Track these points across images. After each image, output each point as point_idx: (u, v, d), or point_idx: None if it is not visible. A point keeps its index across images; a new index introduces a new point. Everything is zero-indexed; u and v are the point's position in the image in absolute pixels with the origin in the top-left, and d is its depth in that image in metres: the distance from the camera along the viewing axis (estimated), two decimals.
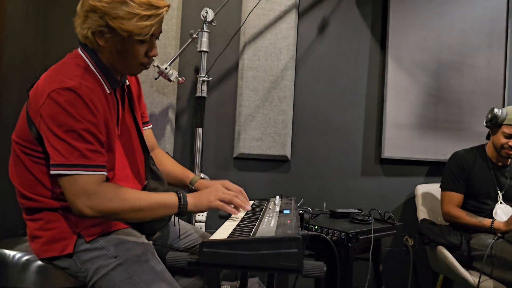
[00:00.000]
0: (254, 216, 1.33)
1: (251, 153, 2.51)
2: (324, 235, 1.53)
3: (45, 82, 1.21)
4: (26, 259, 1.28)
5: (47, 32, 2.31)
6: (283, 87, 2.52)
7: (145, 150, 1.45)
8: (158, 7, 1.23)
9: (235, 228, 1.15)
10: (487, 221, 2.25)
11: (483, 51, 2.80)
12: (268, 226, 1.12)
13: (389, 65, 2.67)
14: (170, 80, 2.21)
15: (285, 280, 1.13)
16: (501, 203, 2.34)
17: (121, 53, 1.26)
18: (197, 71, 2.43)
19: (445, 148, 2.67)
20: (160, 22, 1.27)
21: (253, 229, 1.10)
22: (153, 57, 1.34)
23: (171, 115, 2.41)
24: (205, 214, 2.17)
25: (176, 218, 1.54)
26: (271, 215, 1.29)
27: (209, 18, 2.22)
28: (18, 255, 1.29)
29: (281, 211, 1.36)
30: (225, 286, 2.35)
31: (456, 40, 2.77)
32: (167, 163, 1.61)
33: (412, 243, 2.62)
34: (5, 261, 1.29)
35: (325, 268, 0.97)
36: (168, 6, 1.28)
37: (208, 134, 2.44)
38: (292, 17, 2.55)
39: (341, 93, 2.67)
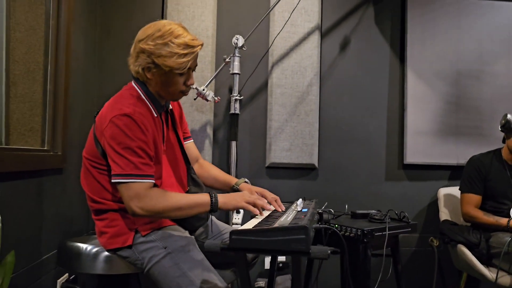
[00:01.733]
0: (276, 214, 1.59)
1: (281, 162, 2.76)
2: (336, 229, 1.75)
3: (107, 109, 1.54)
4: (96, 251, 1.60)
5: (102, 64, 2.69)
6: (309, 101, 2.77)
7: (187, 161, 1.76)
8: (193, 46, 1.54)
9: (259, 222, 1.41)
10: (504, 220, 2.39)
11: (502, 59, 2.93)
12: (285, 220, 1.38)
13: (408, 77, 2.86)
14: (207, 100, 2.52)
15: (300, 268, 1.37)
16: None
17: (165, 83, 1.58)
18: (230, 90, 2.73)
19: (467, 153, 2.80)
20: (195, 58, 1.58)
21: (273, 223, 1.36)
22: (191, 86, 1.65)
23: (209, 131, 2.72)
24: (241, 217, 2.45)
25: (212, 218, 1.84)
26: (291, 213, 1.55)
27: (240, 44, 2.51)
28: (89, 247, 1.62)
29: (300, 210, 1.61)
30: (260, 283, 2.61)
31: (474, 49, 2.92)
32: (213, 170, 1.94)
33: (437, 243, 2.77)
34: (80, 252, 1.62)
35: (329, 252, 1.21)
36: (202, 44, 1.59)
37: (242, 146, 2.72)
38: (315, 37, 2.80)
39: (364, 104, 2.89)
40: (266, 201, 1.67)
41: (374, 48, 2.90)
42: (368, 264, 1.94)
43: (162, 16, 2.71)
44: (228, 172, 2.49)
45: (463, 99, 2.90)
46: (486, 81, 2.91)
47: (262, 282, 2.59)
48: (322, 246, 1.22)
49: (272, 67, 2.78)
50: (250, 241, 1.20)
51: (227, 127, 2.77)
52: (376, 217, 2.08)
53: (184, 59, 1.52)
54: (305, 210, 1.59)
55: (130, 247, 1.54)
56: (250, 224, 1.37)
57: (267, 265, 2.71)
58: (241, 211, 2.46)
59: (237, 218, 2.46)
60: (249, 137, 2.79)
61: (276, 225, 1.30)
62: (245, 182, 1.91)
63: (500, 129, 2.53)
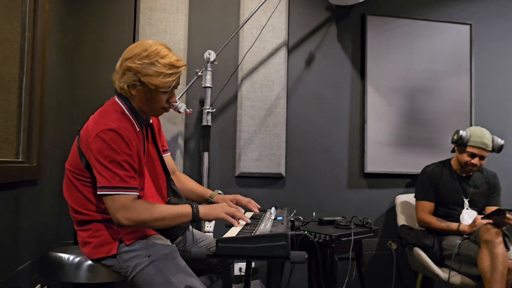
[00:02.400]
0: (254, 222, 1.70)
1: (250, 172, 2.89)
2: (308, 235, 1.89)
3: (93, 124, 1.60)
4: (79, 260, 1.65)
5: (73, 75, 2.71)
6: (276, 114, 2.92)
7: (166, 173, 1.84)
8: (178, 67, 1.64)
9: (240, 230, 1.52)
10: (454, 225, 2.62)
11: (450, 76, 3.21)
12: (265, 228, 1.50)
13: (368, 91, 3.08)
14: (179, 112, 2.60)
15: (279, 272, 1.49)
16: (467, 208, 2.71)
17: (149, 100, 1.66)
18: (201, 102, 2.83)
19: (420, 162, 3.04)
20: (179, 77, 1.68)
21: (254, 230, 1.48)
22: (173, 103, 1.74)
23: (180, 141, 2.79)
24: (212, 225, 2.54)
25: (191, 228, 1.93)
26: (267, 221, 1.67)
27: (212, 58, 2.62)
28: (71, 257, 1.66)
29: (275, 218, 1.74)
30: None
31: (426, 67, 3.18)
32: (189, 183, 2.04)
33: (395, 247, 2.99)
34: (62, 262, 1.66)
35: (306, 256, 1.34)
36: (185, 65, 1.69)
37: (213, 157, 2.82)
38: (283, 53, 2.96)
39: (327, 117, 3.07)
40: (244, 212, 1.77)
41: (337, 64, 3.10)
42: (336, 267, 2.09)
43: (134, 30, 2.77)
44: (200, 182, 2.59)
45: (416, 113, 3.15)
46: (436, 96, 3.17)
47: None
48: (299, 251, 1.35)
49: (242, 80, 2.90)
50: (235, 248, 1.31)
51: (198, 138, 2.86)
52: (342, 224, 2.24)
53: (169, 79, 1.62)
54: (280, 218, 1.71)
55: (114, 256, 1.60)
56: (232, 233, 1.48)
57: (236, 272, 2.81)
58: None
59: (209, 226, 2.56)
60: (220, 148, 2.89)
61: (257, 233, 1.41)
62: (219, 193, 2.02)
63: (451, 141, 2.77)
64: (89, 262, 1.64)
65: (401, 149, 3.10)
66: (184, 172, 2.82)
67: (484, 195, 2.77)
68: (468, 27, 3.23)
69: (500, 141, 2.65)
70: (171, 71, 1.61)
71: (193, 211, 1.60)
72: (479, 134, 2.63)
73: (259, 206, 1.95)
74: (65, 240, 2.59)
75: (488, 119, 3.21)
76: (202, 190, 2.05)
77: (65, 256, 1.67)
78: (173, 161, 2.08)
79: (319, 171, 3.03)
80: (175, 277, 1.56)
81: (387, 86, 3.11)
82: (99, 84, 2.72)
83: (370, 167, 3.06)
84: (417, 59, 3.16)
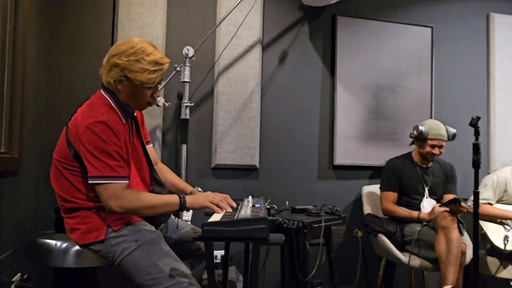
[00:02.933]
0: (234, 209, 1.83)
1: (226, 164, 3.01)
2: (284, 220, 2.04)
3: (82, 116, 1.68)
4: (66, 245, 1.73)
5: (51, 67, 2.74)
6: (251, 108, 3.05)
7: (150, 163, 1.94)
8: (162, 64, 1.74)
9: (222, 216, 1.65)
10: (415, 213, 2.85)
11: (414, 75, 3.43)
12: (245, 213, 1.63)
13: (338, 88, 3.25)
14: (158, 105, 2.68)
15: (258, 253, 1.62)
16: (427, 197, 2.94)
17: (134, 95, 1.75)
18: (179, 96, 2.92)
19: (385, 155, 3.25)
20: (163, 73, 1.77)
21: (235, 216, 1.61)
22: (157, 98, 1.84)
23: (158, 134, 2.88)
24: (190, 214, 2.65)
25: (174, 216, 2.03)
26: (246, 208, 1.80)
27: (190, 54, 2.71)
28: (59, 243, 1.74)
29: (253, 205, 1.87)
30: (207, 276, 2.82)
31: (391, 66, 3.38)
32: (171, 176, 2.13)
33: (361, 234, 3.20)
34: (50, 248, 1.73)
35: (283, 238, 1.48)
36: (169, 62, 1.78)
37: (190, 149, 2.91)
38: (257, 50, 3.08)
39: (299, 112, 3.22)
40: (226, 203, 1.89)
41: (309, 62, 3.25)
42: (307, 252, 2.25)
43: (113, 24, 2.82)
44: (178, 173, 2.68)
45: (382, 109, 3.35)
46: (401, 93, 3.39)
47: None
48: (277, 234, 1.49)
49: (218, 76, 3.01)
50: (219, 231, 1.44)
51: (176, 130, 2.95)
52: (313, 212, 2.40)
53: (154, 75, 1.72)
54: (258, 205, 1.85)
55: (102, 241, 1.69)
56: (215, 218, 1.60)
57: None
58: (190, 210, 2.67)
59: (187, 215, 2.67)
60: (196, 140, 3.00)
61: (239, 218, 1.54)
62: (199, 190, 2.12)
63: (410, 136, 3.00)
64: (77, 247, 1.72)
65: (367, 142, 3.30)
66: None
67: (442, 184, 3.02)
68: (430, 29, 3.46)
69: (452, 130, 2.91)
70: (155, 68, 1.71)
71: (180, 200, 1.71)
72: (435, 127, 2.87)
73: (235, 205, 2.00)
74: (44, 230, 2.63)
75: (446, 116, 3.46)
76: (183, 185, 2.15)
77: (52, 242, 1.75)
78: (155, 153, 2.17)
79: (291, 163, 3.19)
80: (161, 260, 1.67)
81: (355, 83, 3.29)
82: (77, 76, 2.77)
83: (338, 160, 3.24)
84: (383, 59, 3.36)
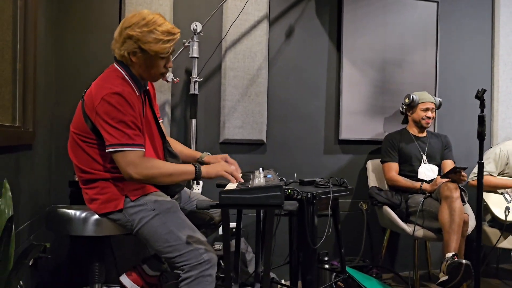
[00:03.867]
0: (247, 179, 1.89)
1: (234, 139, 3.06)
2: (294, 191, 2.09)
3: (97, 89, 1.71)
4: (85, 215, 1.80)
5: (59, 42, 2.76)
6: (258, 84, 3.08)
7: (162, 136, 1.98)
8: (174, 33, 1.77)
9: (237, 185, 1.70)
10: (417, 184, 2.92)
11: (419, 50, 3.44)
12: (259, 182, 1.68)
13: (344, 64, 3.27)
14: (167, 81, 2.72)
15: (273, 220, 1.68)
16: (424, 162, 3.03)
17: (148, 66, 1.79)
18: (187, 72, 2.95)
19: (390, 130, 3.30)
20: (175, 43, 1.80)
21: (250, 185, 1.66)
22: (169, 68, 1.87)
23: (167, 109, 2.92)
24: (200, 187, 2.72)
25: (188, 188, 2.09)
26: (259, 178, 1.86)
27: (198, 30, 2.73)
28: (78, 212, 1.81)
29: (265, 176, 1.92)
30: (217, 245, 2.91)
31: (397, 41, 3.39)
32: (179, 146, 2.18)
33: (366, 207, 3.27)
34: (70, 217, 1.80)
35: (297, 205, 1.54)
36: (180, 32, 1.81)
37: (198, 124, 2.95)
38: (264, 25, 3.09)
39: (306, 87, 3.25)
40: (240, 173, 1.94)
41: (315, 37, 3.26)
42: (315, 222, 2.32)
43: (120, 1, 2.82)
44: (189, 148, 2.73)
45: (387, 84, 3.38)
46: (406, 68, 3.41)
47: (219, 245, 2.89)
48: (291, 201, 1.55)
49: (226, 51, 3.03)
50: (236, 198, 1.49)
51: (184, 106, 2.99)
52: (321, 183, 2.46)
53: (167, 45, 1.75)
54: (270, 176, 1.91)
55: (121, 211, 1.75)
56: (231, 187, 1.66)
57: (221, 232, 3.01)
58: (201, 182, 2.73)
59: (197, 188, 2.73)
60: (205, 115, 3.03)
61: (253, 186, 1.59)
62: (208, 154, 2.18)
63: (402, 109, 3.17)
64: (96, 216, 1.79)
65: (373, 117, 3.34)
66: None
67: (439, 151, 3.15)
68: (435, 4, 3.45)
69: (438, 98, 3.20)
70: (168, 38, 1.74)
71: (196, 170, 1.76)
72: (423, 94, 3.12)
73: (240, 171, 2.07)
74: (57, 204, 2.69)
75: (451, 90, 3.49)
76: (191, 152, 2.21)
77: (72, 212, 1.82)
78: (165, 128, 2.22)
79: (298, 138, 3.24)
80: (178, 228, 1.73)
81: (361, 58, 3.31)
82: (85, 51, 2.79)
83: (344, 134, 3.28)
84: (389, 34, 3.37)
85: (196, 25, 2.72)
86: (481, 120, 2.06)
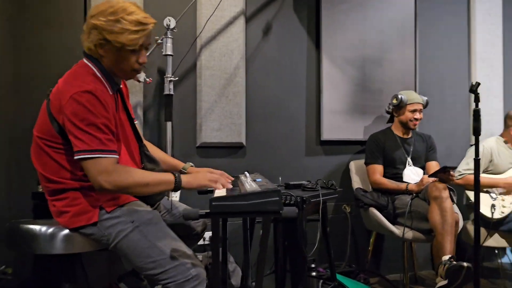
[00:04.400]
0: (235, 185, 1.72)
1: (212, 142, 2.87)
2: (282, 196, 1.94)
3: (64, 86, 1.50)
4: (53, 230, 1.57)
5: (18, 40, 2.50)
6: (236, 83, 2.92)
7: (139, 139, 1.78)
8: (146, 24, 1.58)
9: (227, 192, 1.53)
10: (403, 185, 2.84)
11: (398, 48, 3.38)
12: (252, 187, 1.52)
13: (324, 62, 3.16)
14: (139, 81, 2.51)
15: (269, 228, 1.52)
16: (409, 165, 2.94)
17: (118, 60, 1.59)
18: (160, 71, 2.75)
19: (372, 129, 3.21)
20: (148, 35, 1.61)
21: (242, 190, 1.49)
22: (143, 64, 1.67)
23: (140, 112, 2.71)
24: (178, 194, 2.52)
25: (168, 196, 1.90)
26: (249, 182, 1.69)
27: (172, 26, 2.54)
28: (44, 228, 1.58)
29: (254, 180, 1.76)
30: (198, 257, 2.71)
31: (376, 39, 3.32)
32: (159, 153, 1.96)
33: (349, 210, 3.16)
34: (35, 234, 1.57)
35: (297, 211, 1.39)
36: (154, 22, 1.62)
37: (173, 127, 2.76)
38: (241, 22, 2.94)
39: (285, 86, 3.12)
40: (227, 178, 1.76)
41: (293, 34, 3.14)
42: (304, 228, 2.17)
43: None
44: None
45: (368, 82, 3.29)
46: (386, 66, 3.34)
47: (200, 257, 2.69)
48: (290, 207, 1.39)
49: (201, 49, 2.85)
50: (229, 205, 1.32)
51: (158, 108, 2.79)
52: (309, 186, 2.32)
53: (136, 36, 1.55)
54: (260, 180, 1.74)
55: (95, 224, 1.54)
56: (221, 193, 1.48)
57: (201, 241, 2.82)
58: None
59: (174, 196, 2.53)
60: (180, 118, 2.84)
61: (248, 191, 1.43)
62: (191, 165, 1.98)
63: (389, 109, 3.09)
64: (65, 232, 1.57)
65: (354, 116, 3.25)
66: None
67: (424, 153, 3.05)
68: (413, 1, 3.40)
69: (425, 97, 3.07)
70: (137, 28, 1.54)
71: (175, 179, 1.57)
72: (411, 94, 3.02)
73: (232, 179, 1.90)
74: (18, 219, 2.42)
75: (430, 88, 3.45)
76: (173, 161, 2.00)
77: (36, 227, 1.59)
78: (140, 130, 2.01)
79: (279, 140, 3.09)
80: (161, 241, 1.54)
81: (341, 56, 3.21)
82: (48, 50, 2.54)
83: (326, 135, 3.17)
84: (368, 31, 3.29)
85: (170, 21, 2.53)
86: (477, 115, 1.98)
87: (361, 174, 3.13)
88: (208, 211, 1.33)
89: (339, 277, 2.65)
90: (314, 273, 2.72)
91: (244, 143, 2.96)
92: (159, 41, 2.56)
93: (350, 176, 3.15)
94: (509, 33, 3.69)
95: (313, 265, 2.74)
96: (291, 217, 1.39)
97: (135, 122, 1.91)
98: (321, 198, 2.16)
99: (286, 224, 2.19)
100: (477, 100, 1.97)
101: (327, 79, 3.17)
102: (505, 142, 3.08)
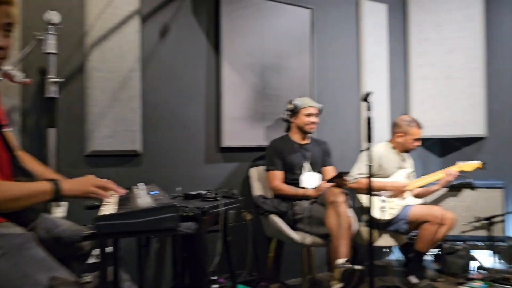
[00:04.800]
0: (126, 199, 1.55)
1: (103, 150, 2.64)
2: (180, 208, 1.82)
3: None
4: None
5: None
6: (131, 87, 2.72)
7: (9, 149, 1.53)
8: None
9: (116, 207, 1.37)
10: (302, 191, 2.89)
11: (296, 56, 3.46)
12: (145, 201, 1.38)
13: (224, 67, 3.10)
14: (14, 82, 2.19)
15: (165, 246, 1.40)
16: (307, 171, 3.02)
17: None
18: (41, 71, 2.45)
19: (271, 135, 3.23)
20: (6, 13, 1.36)
21: (134, 205, 1.34)
22: (4, 48, 1.41)
23: (16, 117, 2.38)
24: (64, 209, 2.25)
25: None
26: (142, 195, 1.54)
27: (55, 20, 2.27)
28: None
29: (149, 193, 1.61)
30: (87, 278, 2.45)
31: (275, 46, 3.36)
32: (36, 165, 1.70)
33: (250, 217, 3.13)
34: None
35: (194, 226, 1.28)
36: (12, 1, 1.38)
37: (58, 134, 2.47)
38: (136, 22, 2.75)
39: (184, 91, 2.99)
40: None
41: (192, 37, 3.03)
42: (205, 240, 2.07)
43: None
44: (45, 163, 2.25)
45: (267, 89, 3.31)
46: (284, 74, 3.39)
47: (88, 277, 2.43)
48: (187, 222, 1.28)
49: (91, 49, 2.60)
50: (118, 225, 1.17)
51: (39, 112, 2.48)
52: (209, 196, 2.23)
53: None
54: (155, 192, 1.60)
55: None
56: (108, 210, 1.32)
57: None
58: (64, 204, 2.27)
59: (59, 212, 2.26)
60: (66, 124, 2.56)
61: (139, 207, 1.29)
62: None
63: (285, 115, 3.12)
64: None
65: (254, 123, 3.24)
66: None
67: (320, 158, 3.14)
68: (309, 11, 3.52)
69: (319, 104, 3.16)
70: None
71: (54, 187, 1.35)
72: (305, 99, 3.12)
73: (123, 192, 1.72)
74: None
75: (326, 97, 3.58)
76: (54, 175, 1.76)
77: None
78: (15, 139, 1.74)
79: (177, 147, 2.96)
80: (35, 269, 1.32)
81: (241, 63, 3.18)
82: None
83: (226, 142, 3.11)
84: (267, 38, 3.31)
85: (52, 15, 2.26)
86: (369, 122, 2.06)
87: (262, 181, 3.13)
88: (94, 231, 1.17)
89: (240, 287, 2.59)
90: (215, 286, 2.63)
91: (140, 150, 2.77)
92: (39, 37, 2.27)
93: (251, 183, 3.12)
94: (394, 44, 4.00)
95: (214, 277, 2.65)
96: (189, 233, 1.28)
97: (8, 130, 1.65)
98: (222, 209, 2.09)
99: (185, 238, 2.08)
100: (369, 108, 2.06)
101: (227, 85, 3.12)
102: (393, 147, 3.32)
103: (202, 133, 3.07)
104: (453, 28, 3.93)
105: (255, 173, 3.16)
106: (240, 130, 3.18)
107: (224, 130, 3.11)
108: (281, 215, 2.82)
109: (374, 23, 3.85)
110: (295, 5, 3.45)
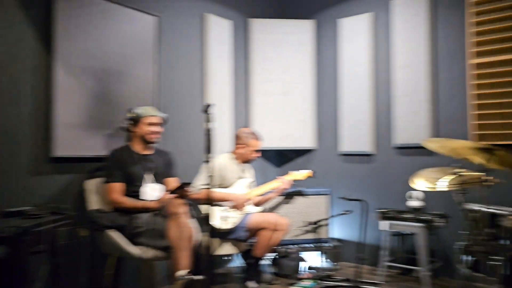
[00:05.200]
0: None
1: None
2: None
3: None
4: None
5: None
6: None
7: None
8: None
9: None
10: (143, 203, 2.79)
11: (141, 64, 3.34)
12: None
13: (57, 70, 2.81)
14: None
15: None
16: (149, 182, 2.91)
17: None
18: None
19: (112, 145, 3.02)
20: None
21: None
22: None
23: None
24: None
25: None
26: None
27: None
28: None
29: None
30: None
31: (119, 51, 3.18)
32: None
33: (85, 233, 2.87)
34: None
35: (5, 250, 1.10)
36: None
37: None
38: None
39: (3, 94, 2.61)
40: None
41: (19, 33, 2.67)
42: (26, 263, 1.82)
43: None
44: None
45: (108, 96, 3.12)
46: (128, 81, 3.24)
47: None
48: None
49: None
50: None
51: None
52: (32, 213, 1.98)
53: None
54: None
55: None
56: None
57: None
58: None
59: None
60: None
61: None
62: None
63: (126, 125, 2.97)
64: None
65: (93, 131, 3.01)
66: None
67: (163, 169, 3.04)
68: (157, 18, 3.43)
69: (164, 114, 3.07)
70: None
71: None
72: (148, 109, 2.99)
73: None
74: None
75: (172, 106, 3.54)
76: None
77: None
78: None
79: None
80: None
81: (79, 65, 2.93)
82: None
83: (59, 151, 2.81)
84: (110, 42, 3.12)
85: None
86: (208, 134, 2.09)
87: (98, 193, 2.90)
88: None
89: None
90: None
91: None
92: None
93: (87, 196, 2.87)
94: (238, 60, 4.18)
95: None
96: None
97: None
98: (46, 227, 1.87)
99: (6, 262, 1.79)
100: (209, 120, 2.09)
101: (61, 89, 2.83)
102: (235, 158, 3.44)
103: (28, 141, 2.71)
104: (289, 49, 4.31)
105: (92, 185, 2.92)
106: (75, 138, 2.92)
107: (56, 137, 2.81)
108: (120, 229, 2.66)
109: (219, 38, 3.97)
110: (142, 11, 3.34)
